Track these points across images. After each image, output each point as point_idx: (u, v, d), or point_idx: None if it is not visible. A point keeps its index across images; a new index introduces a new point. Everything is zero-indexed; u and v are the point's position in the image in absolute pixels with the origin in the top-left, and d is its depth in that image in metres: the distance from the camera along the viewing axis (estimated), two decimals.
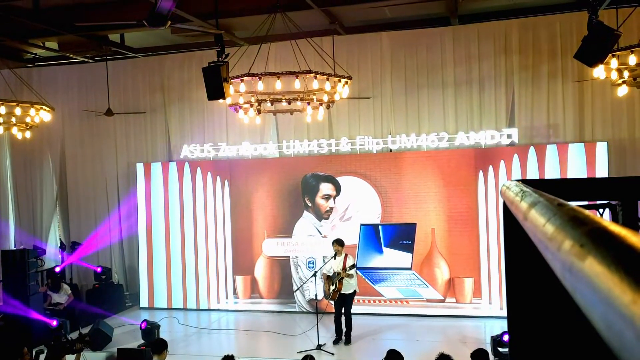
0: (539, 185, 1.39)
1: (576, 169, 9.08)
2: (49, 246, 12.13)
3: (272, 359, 7.84)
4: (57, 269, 10.70)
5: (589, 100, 9.55)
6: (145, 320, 8.47)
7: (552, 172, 9.14)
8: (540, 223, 0.57)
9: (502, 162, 9.37)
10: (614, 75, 7.16)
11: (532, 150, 9.28)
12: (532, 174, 9.19)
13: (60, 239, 12.21)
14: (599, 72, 7.10)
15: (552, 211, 0.56)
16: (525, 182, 1.26)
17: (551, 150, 9.21)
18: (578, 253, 0.44)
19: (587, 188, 1.42)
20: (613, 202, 1.40)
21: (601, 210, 1.44)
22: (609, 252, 0.40)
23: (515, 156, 9.32)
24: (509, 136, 9.51)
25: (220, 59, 6.84)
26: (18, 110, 8.57)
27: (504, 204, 1.30)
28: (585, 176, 9.03)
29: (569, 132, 9.63)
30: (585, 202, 1.51)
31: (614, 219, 1.40)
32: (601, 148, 9.07)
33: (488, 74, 9.94)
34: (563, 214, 0.52)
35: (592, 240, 0.44)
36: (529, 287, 1.46)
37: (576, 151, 9.14)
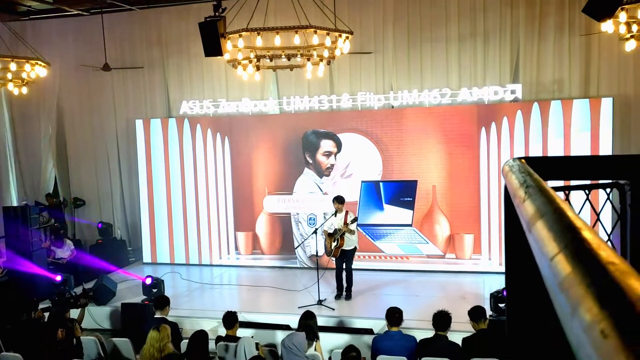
0: (544, 164, 1.33)
1: (580, 126, 8.96)
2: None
3: (273, 314, 7.95)
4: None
5: (595, 54, 9.33)
6: (149, 275, 8.54)
7: (555, 129, 9.03)
8: (549, 252, 0.47)
9: (505, 119, 9.25)
10: (623, 29, 6.97)
11: (535, 106, 9.13)
12: (536, 130, 9.08)
13: (62, 196, 12.22)
14: (607, 26, 6.90)
15: (565, 239, 0.48)
16: (529, 161, 1.20)
17: (555, 107, 9.07)
18: (599, 341, 0.34)
19: (593, 166, 1.36)
20: (621, 182, 1.34)
21: (608, 190, 1.38)
22: None
23: (519, 112, 9.18)
24: (512, 92, 9.34)
25: (217, 14, 6.64)
26: (13, 66, 8.41)
27: (505, 186, 1.24)
28: (588, 132, 8.92)
29: (575, 88, 9.45)
30: (589, 182, 1.45)
31: (622, 199, 1.34)
32: (606, 104, 8.92)
33: (493, 27, 9.68)
34: (577, 250, 0.44)
35: (619, 329, 0.33)
36: (528, 250, 1.40)
37: (581, 107, 9.00)
